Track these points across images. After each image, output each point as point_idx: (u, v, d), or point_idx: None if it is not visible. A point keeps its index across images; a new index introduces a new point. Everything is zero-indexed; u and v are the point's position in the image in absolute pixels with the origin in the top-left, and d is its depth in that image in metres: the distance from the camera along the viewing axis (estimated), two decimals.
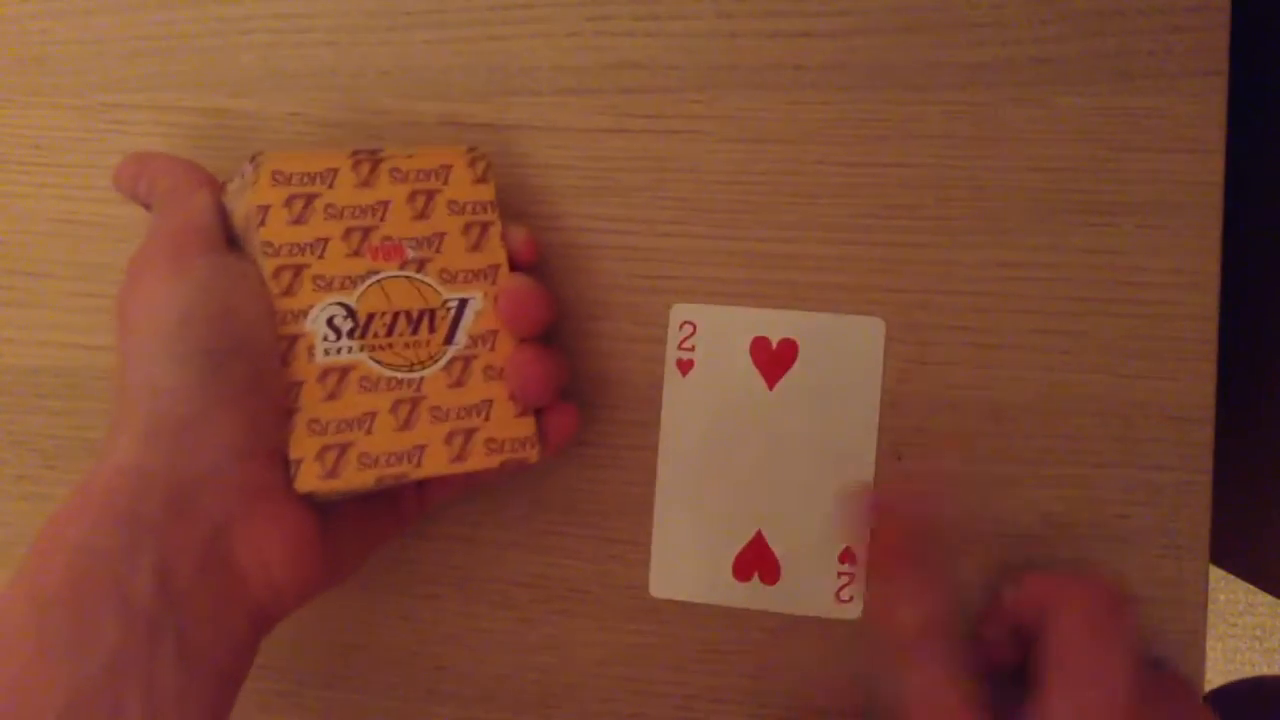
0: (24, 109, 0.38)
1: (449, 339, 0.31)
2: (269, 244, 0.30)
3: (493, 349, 0.32)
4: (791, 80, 0.34)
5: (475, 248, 0.32)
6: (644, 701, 0.35)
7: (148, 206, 0.32)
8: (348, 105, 0.36)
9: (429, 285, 0.31)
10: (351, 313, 0.30)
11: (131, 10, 0.37)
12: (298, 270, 0.30)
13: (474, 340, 0.31)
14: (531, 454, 0.32)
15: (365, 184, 0.31)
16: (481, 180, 0.32)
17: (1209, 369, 0.32)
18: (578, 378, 0.35)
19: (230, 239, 0.31)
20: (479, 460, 0.31)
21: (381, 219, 0.31)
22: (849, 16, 0.33)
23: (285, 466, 0.29)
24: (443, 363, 0.31)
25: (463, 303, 0.31)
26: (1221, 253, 0.32)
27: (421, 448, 0.30)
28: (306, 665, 0.37)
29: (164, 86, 0.37)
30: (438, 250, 0.31)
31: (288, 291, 0.30)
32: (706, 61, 0.34)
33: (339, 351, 0.30)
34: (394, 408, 0.30)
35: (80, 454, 0.38)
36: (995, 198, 0.33)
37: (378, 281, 0.31)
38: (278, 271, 0.30)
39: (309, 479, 0.29)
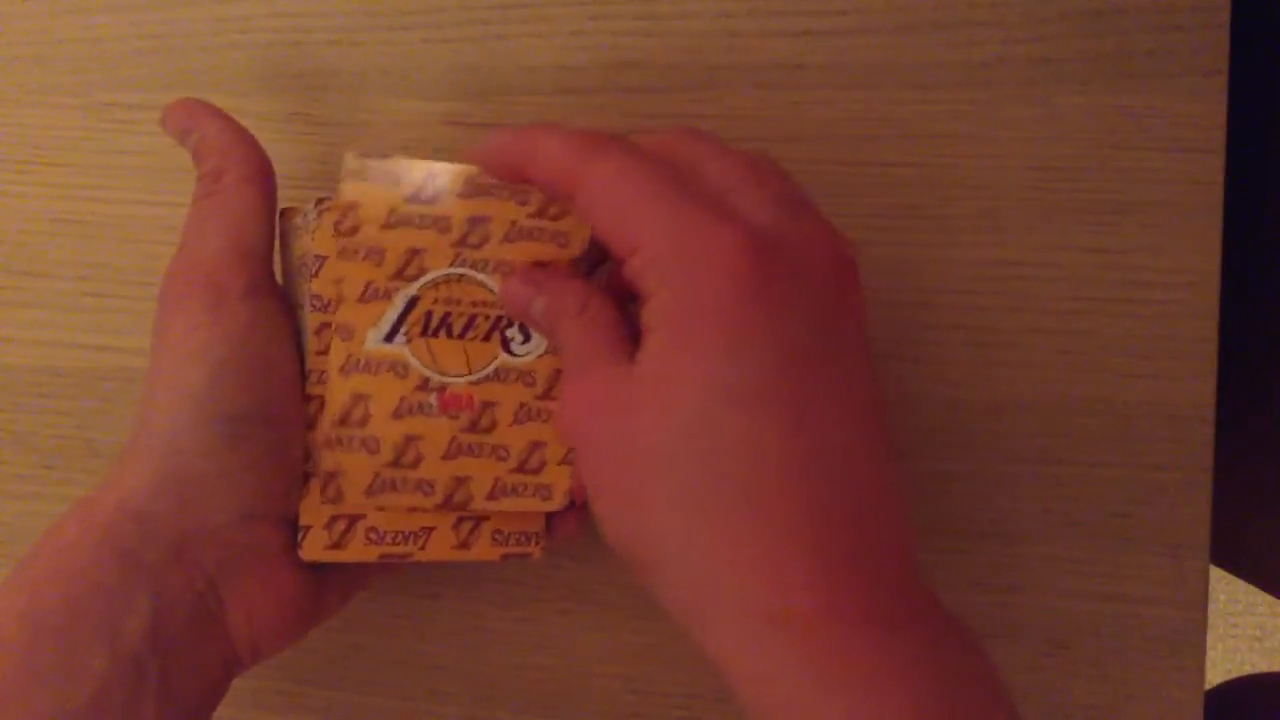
0: (24, 109, 0.38)
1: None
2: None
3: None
4: (792, 80, 0.34)
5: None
6: (644, 701, 0.35)
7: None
8: (348, 105, 0.36)
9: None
10: None
11: (132, 10, 0.37)
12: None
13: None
14: (535, 551, 0.31)
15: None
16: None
17: (1209, 369, 0.32)
18: None
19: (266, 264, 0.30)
20: (482, 551, 0.30)
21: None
22: (849, 16, 0.33)
23: (291, 528, 0.29)
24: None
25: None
26: (1221, 253, 0.32)
27: (429, 530, 0.30)
28: (306, 665, 0.37)
29: (164, 86, 0.37)
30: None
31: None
32: (706, 61, 0.34)
33: None
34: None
35: (80, 454, 0.38)
36: (995, 197, 0.33)
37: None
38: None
39: (315, 548, 0.29)
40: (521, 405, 0.30)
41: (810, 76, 0.34)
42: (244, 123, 0.36)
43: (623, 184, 0.24)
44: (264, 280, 0.29)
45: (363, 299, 0.29)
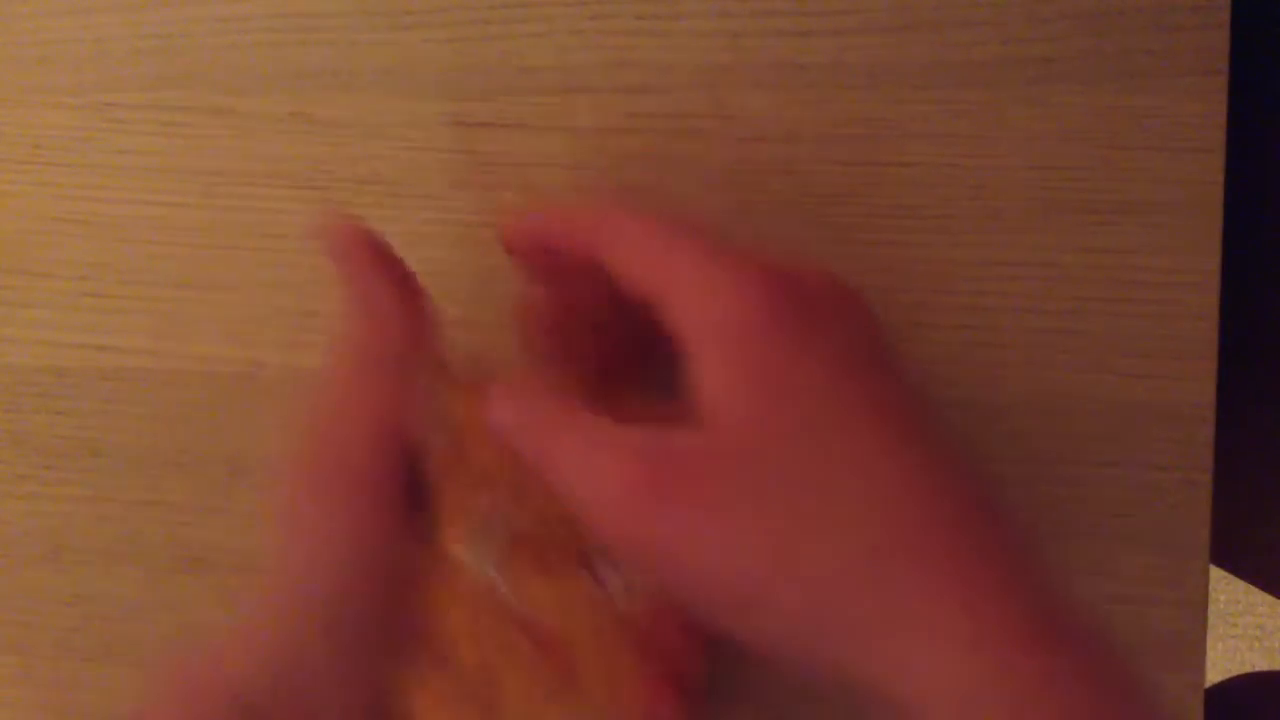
0: (24, 108, 0.38)
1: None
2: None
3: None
4: (792, 79, 0.34)
5: None
6: None
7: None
8: (348, 105, 0.36)
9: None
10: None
11: (132, 9, 0.37)
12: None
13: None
14: None
15: None
16: None
17: (1209, 369, 0.32)
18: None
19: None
20: None
21: None
22: (849, 16, 0.33)
23: None
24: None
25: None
26: (1221, 253, 0.32)
27: None
28: None
29: (164, 86, 0.37)
30: None
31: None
32: (707, 61, 0.34)
33: None
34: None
35: (80, 454, 0.38)
36: (995, 197, 0.33)
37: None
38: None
39: None
40: (606, 639, 0.28)
41: (810, 76, 0.34)
42: (244, 123, 0.36)
43: (649, 237, 0.25)
44: (398, 472, 0.27)
45: (461, 516, 0.28)
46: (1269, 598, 1.01)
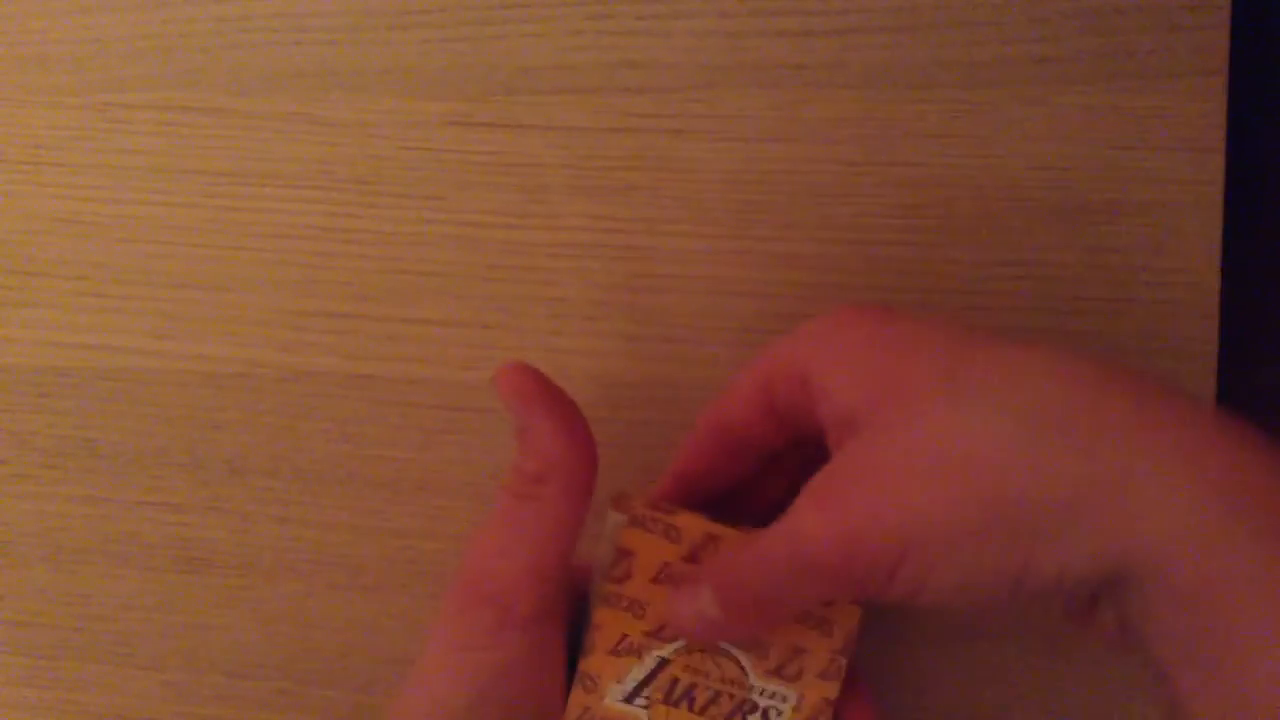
0: (24, 108, 0.38)
1: None
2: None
3: None
4: (792, 80, 0.34)
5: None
6: None
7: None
8: (348, 105, 0.36)
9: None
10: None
11: (132, 9, 0.37)
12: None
13: None
14: None
15: None
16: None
17: (1209, 369, 0.32)
18: (579, 377, 0.35)
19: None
20: None
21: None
22: (849, 16, 0.33)
23: None
24: None
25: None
26: (1221, 253, 0.32)
27: None
28: (306, 665, 0.37)
29: (164, 86, 0.37)
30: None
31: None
32: (707, 61, 0.34)
33: None
34: None
35: (80, 454, 0.38)
36: (995, 197, 0.33)
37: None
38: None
39: None
40: None
41: (810, 76, 0.34)
42: (244, 123, 0.36)
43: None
44: (552, 604, 0.27)
45: (614, 651, 0.28)
46: None
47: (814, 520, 0.24)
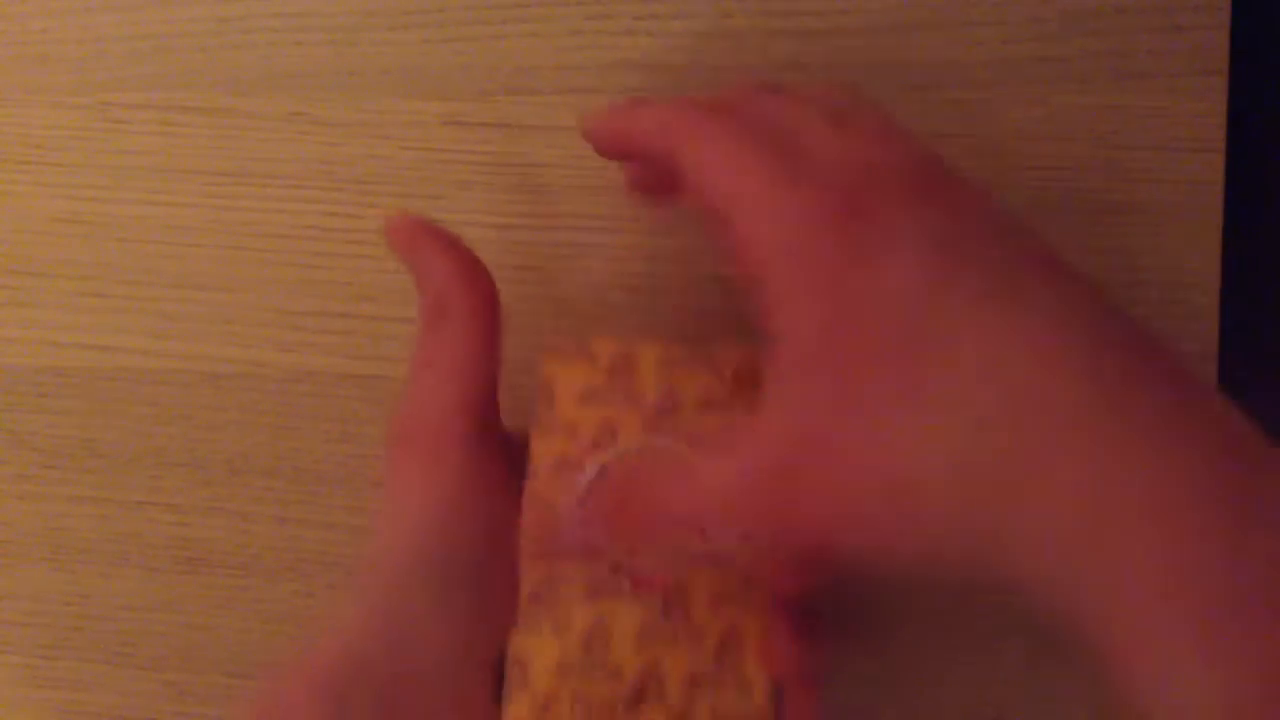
0: (24, 108, 0.38)
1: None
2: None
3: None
4: (792, 80, 0.34)
5: None
6: None
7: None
8: (348, 105, 0.36)
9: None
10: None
11: (132, 9, 0.37)
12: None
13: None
14: None
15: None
16: None
17: (1209, 368, 0.32)
18: None
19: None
20: None
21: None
22: (849, 16, 0.33)
23: (495, 678, 0.28)
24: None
25: None
26: (1221, 253, 0.32)
27: None
28: None
29: (164, 86, 0.37)
30: None
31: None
32: (706, 61, 0.34)
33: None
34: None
35: (80, 454, 0.38)
36: (995, 197, 0.33)
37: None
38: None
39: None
40: (718, 588, 0.28)
41: (810, 76, 0.33)
42: (244, 123, 0.36)
43: (733, 156, 0.24)
44: (483, 426, 0.29)
45: (556, 469, 0.28)
46: None
47: (754, 516, 0.24)
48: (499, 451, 0.29)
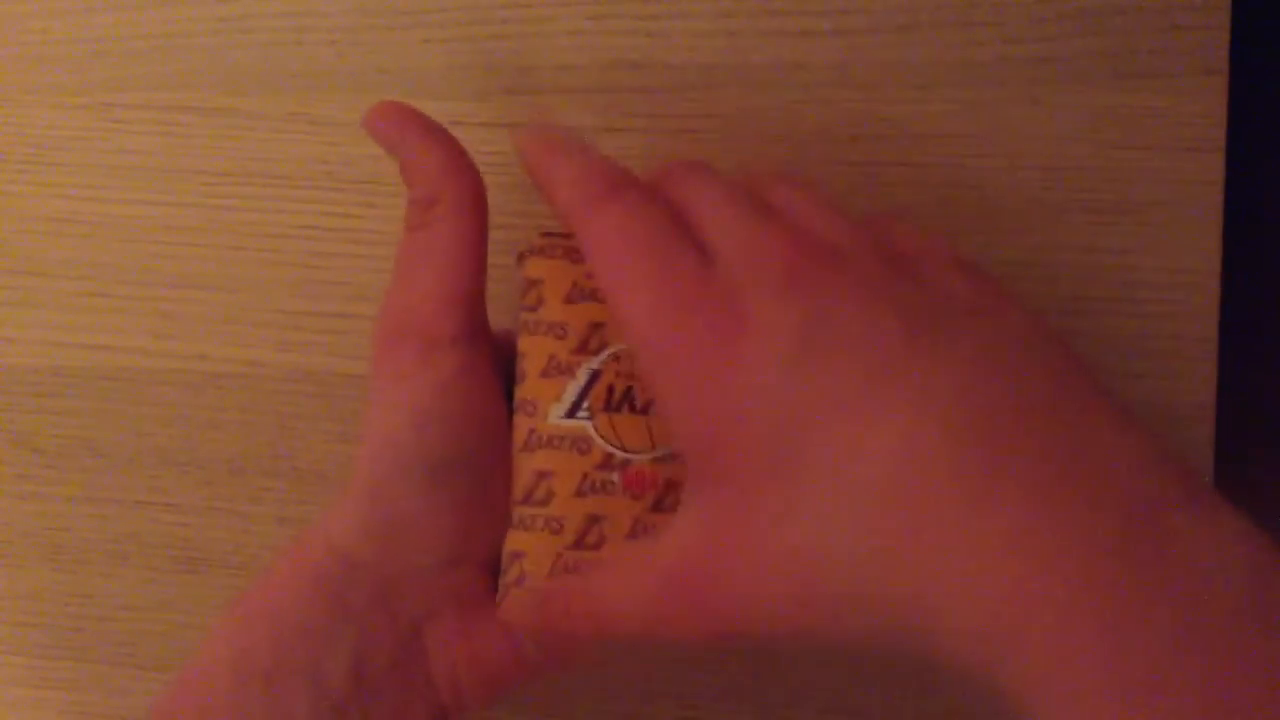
0: (24, 108, 0.38)
1: None
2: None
3: None
4: (792, 80, 0.34)
5: None
6: (644, 701, 0.35)
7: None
8: (348, 105, 0.36)
9: None
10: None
11: (131, 9, 0.37)
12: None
13: None
14: None
15: None
16: None
17: (1209, 369, 0.32)
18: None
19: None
20: None
21: None
22: (849, 16, 0.33)
23: (493, 575, 0.28)
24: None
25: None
26: (1221, 253, 0.32)
27: None
28: None
29: (164, 86, 0.37)
30: None
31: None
32: (706, 61, 0.34)
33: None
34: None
35: (80, 454, 0.38)
36: (995, 197, 0.33)
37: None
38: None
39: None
40: None
41: (810, 76, 0.34)
42: (244, 123, 0.36)
43: (615, 254, 0.25)
44: (474, 323, 0.28)
45: (545, 373, 0.28)
46: None
47: (673, 619, 0.25)
48: (489, 349, 0.29)
